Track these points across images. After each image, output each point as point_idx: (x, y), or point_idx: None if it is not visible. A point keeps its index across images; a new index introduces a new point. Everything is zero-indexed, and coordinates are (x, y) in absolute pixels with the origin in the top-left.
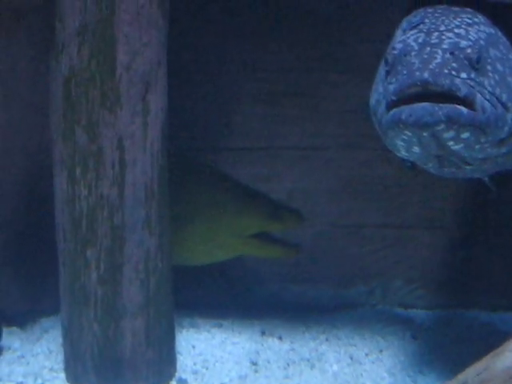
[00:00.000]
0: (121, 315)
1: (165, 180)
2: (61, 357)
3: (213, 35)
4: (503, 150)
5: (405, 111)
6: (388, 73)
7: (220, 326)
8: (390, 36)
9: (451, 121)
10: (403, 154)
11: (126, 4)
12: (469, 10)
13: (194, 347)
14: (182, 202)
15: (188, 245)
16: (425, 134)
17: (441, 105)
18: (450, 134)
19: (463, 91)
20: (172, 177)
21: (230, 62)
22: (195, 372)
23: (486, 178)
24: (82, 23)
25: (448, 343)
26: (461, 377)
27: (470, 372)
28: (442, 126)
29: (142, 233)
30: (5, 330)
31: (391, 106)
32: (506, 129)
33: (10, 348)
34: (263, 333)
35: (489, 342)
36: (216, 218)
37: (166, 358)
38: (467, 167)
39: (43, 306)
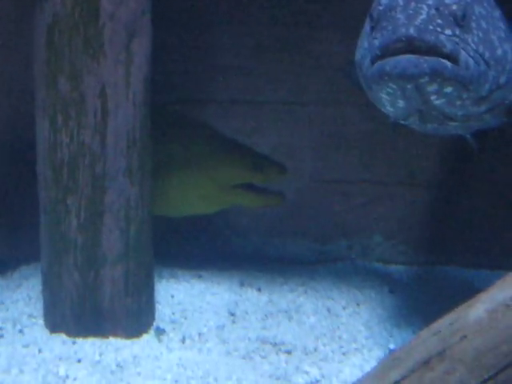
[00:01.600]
0: (100, 263)
1: (147, 130)
2: (40, 304)
3: None
4: (483, 108)
5: (389, 63)
6: (373, 28)
7: (199, 276)
8: None
9: (435, 73)
10: (388, 108)
11: None
12: None
13: (172, 297)
14: (165, 153)
15: (170, 196)
16: (409, 86)
17: (426, 57)
18: (434, 87)
19: (448, 47)
20: (155, 128)
21: (217, 15)
22: (173, 321)
23: (468, 136)
24: None
25: (425, 298)
26: (434, 326)
27: (443, 322)
28: (426, 78)
29: (123, 181)
30: None
31: (376, 60)
32: (487, 86)
33: None
34: (242, 284)
35: (466, 299)
36: (199, 168)
37: (145, 307)
38: (450, 123)
39: (23, 253)
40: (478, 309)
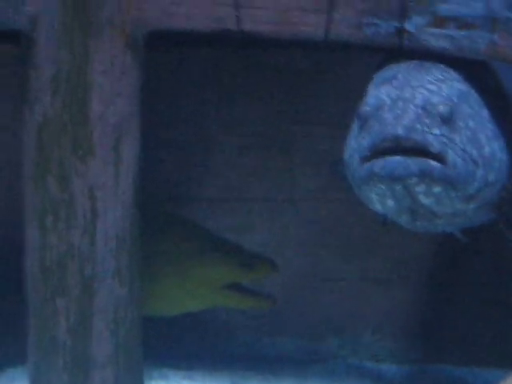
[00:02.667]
0: (90, 366)
1: (137, 230)
2: None
3: (189, 88)
4: (472, 205)
5: (378, 164)
6: (361, 128)
7: (190, 377)
8: (363, 90)
9: (424, 174)
10: (377, 207)
11: (100, 54)
12: (441, 65)
13: None
14: (154, 253)
15: (160, 295)
16: (397, 187)
17: (413, 159)
18: (422, 187)
19: (436, 147)
20: (145, 227)
21: (206, 114)
22: None
23: (458, 232)
24: (56, 72)
25: None
26: None
27: None
28: (415, 179)
29: (113, 283)
30: None
31: (365, 160)
32: (476, 185)
33: None
34: None
35: None
36: (188, 268)
37: None
38: (438, 221)
39: (10, 356)
40: None
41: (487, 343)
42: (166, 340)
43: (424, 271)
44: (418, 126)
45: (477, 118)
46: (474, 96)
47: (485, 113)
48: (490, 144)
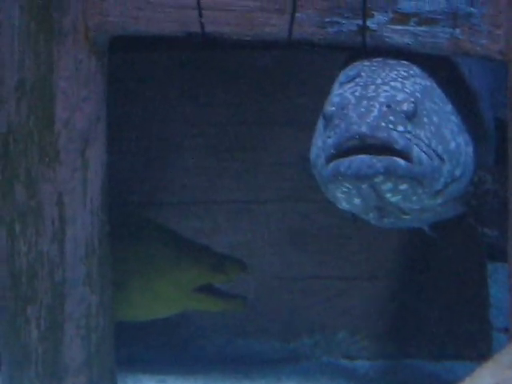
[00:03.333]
0: (62, 373)
1: (106, 235)
2: None
3: (154, 90)
4: (439, 200)
5: (343, 164)
6: (326, 127)
7: (163, 381)
8: (328, 89)
9: (389, 173)
10: (344, 205)
11: (64, 60)
12: (404, 62)
13: None
14: (124, 257)
15: (131, 300)
16: (364, 185)
17: (379, 157)
18: (388, 185)
19: (400, 144)
20: (113, 232)
21: (171, 116)
22: None
23: (426, 228)
24: (21, 79)
25: None
26: None
27: None
28: (381, 177)
29: (83, 289)
30: None
31: (330, 159)
32: (442, 180)
33: None
34: None
35: None
36: (158, 272)
37: None
38: (406, 217)
39: None
40: None
41: (457, 337)
42: (139, 344)
43: (395, 268)
44: (383, 124)
45: (441, 113)
46: (437, 91)
47: (449, 107)
48: (456, 138)
